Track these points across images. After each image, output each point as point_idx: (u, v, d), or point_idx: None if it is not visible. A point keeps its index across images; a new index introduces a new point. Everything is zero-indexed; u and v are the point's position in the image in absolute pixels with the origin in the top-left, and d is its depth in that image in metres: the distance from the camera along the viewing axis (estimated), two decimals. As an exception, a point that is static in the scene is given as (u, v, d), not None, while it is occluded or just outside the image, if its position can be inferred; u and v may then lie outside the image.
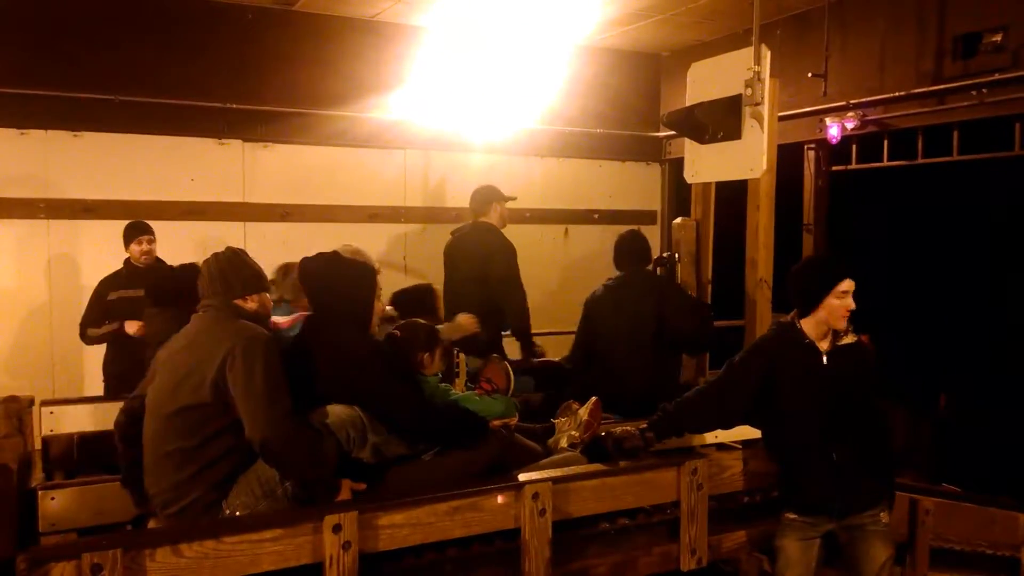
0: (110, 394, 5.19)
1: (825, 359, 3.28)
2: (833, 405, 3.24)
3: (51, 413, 4.03)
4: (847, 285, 3.21)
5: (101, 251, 6.08)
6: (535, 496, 2.91)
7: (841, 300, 3.22)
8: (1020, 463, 5.60)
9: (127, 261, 5.49)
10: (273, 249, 6.66)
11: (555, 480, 3.00)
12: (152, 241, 5.46)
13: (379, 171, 7.27)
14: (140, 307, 5.28)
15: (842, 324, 3.26)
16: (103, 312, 5.36)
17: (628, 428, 3.48)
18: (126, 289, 5.37)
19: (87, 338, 5.40)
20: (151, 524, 3.02)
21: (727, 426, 3.62)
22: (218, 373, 2.80)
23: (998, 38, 5.48)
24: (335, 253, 3.34)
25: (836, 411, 3.24)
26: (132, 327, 5.14)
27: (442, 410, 3.28)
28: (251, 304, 3.06)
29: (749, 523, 3.57)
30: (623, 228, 8.43)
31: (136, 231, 5.45)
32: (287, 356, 3.13)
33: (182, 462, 2.84)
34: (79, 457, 3.94)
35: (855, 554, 3.32)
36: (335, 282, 3.22)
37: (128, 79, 6.25)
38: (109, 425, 3.80)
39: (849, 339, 3.32)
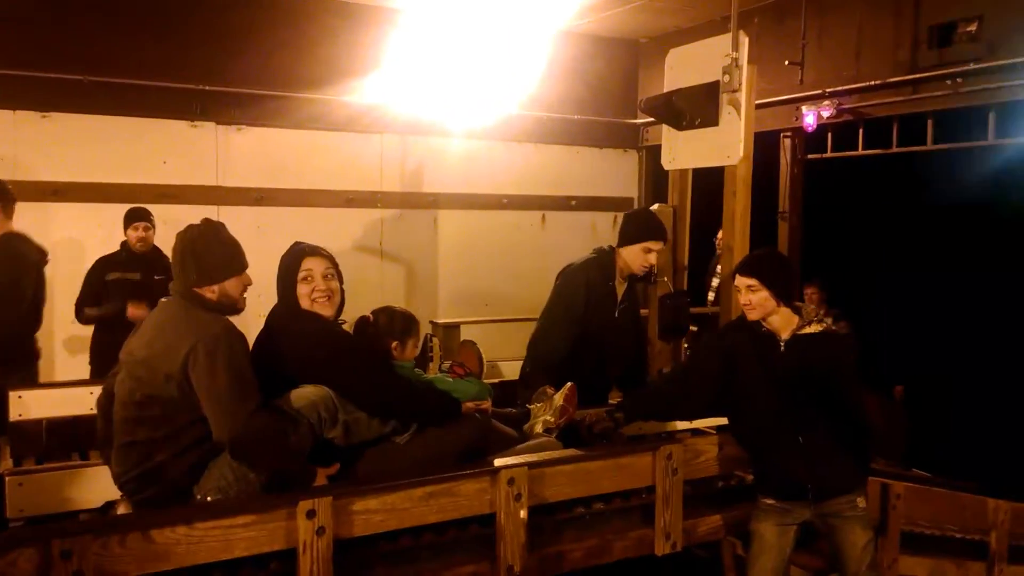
0: (94, 376, 5.16)
1: (783, 347, 3.32)
2: (795, 392, 3.27)
3: (19, 398, 3.96)
4: (737, 282, 3.39)
5: (71, 234, 6.00)
6: (511, 481, 2.90)
7: (736, 295, 3.41)
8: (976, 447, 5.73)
9: (124, 244, 5.49)
10: (247, 233, 6.54)
11: (530, 465, 3.00)
12: (149, 228, 5.47)
13: (355, 156, 7.21)
14: (137, 289, 5.29)
15: (749, 316, 3.36)
16: (100, 291, 5.38)
17: (598, 411, 3.50)
18: (125, 271, 5.41)
19: (83, 316, 5.37)
20: (121, 509, 2.98)
21: (692, 414, 3.68)
22: (181, 373, 2.74)
23: (973, 28, 5.52)
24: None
25: (799, 398, 3.26)
26: (136, 310, 5.11)
27: (413, 387, 3.26)
28: (209, 294, 2.92)
29: (724, 508, 3.59)
30: (600, 215, 8.58)
31: (132, 218, 5.46)
32: (258, 345, 3.10)
33: (150, 451, 2.80)
34: (48, 443, 3.88)
35: (835, 540, 3.36)
36: None
37: (98, 59, 6.15)
38: (78, 410, 3.75)
39: (812, 328, 3.35)
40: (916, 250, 7.11)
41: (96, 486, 3.23)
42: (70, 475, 3.37)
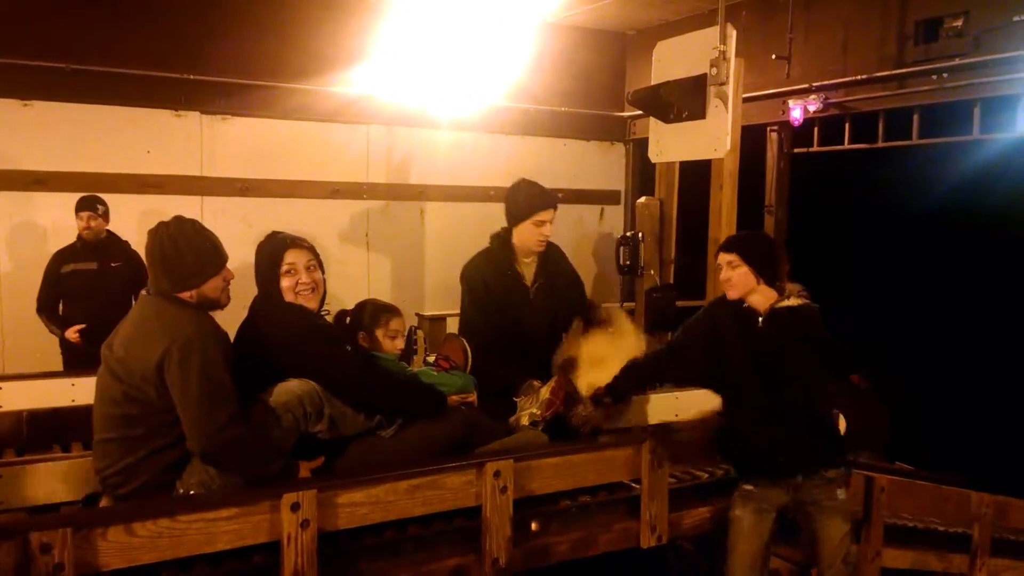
0: (67, 369, 5.18)
1: (761, 322, 3.34)
2: (771, 366, 3.27)
3: (-1, 389, 3.92)
4: (719, 259, 3.43)
5: (53, 224, 5.94)
6: (496, 474, 2.90)
7: (718, 272, 3.45)
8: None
9: (80, 235, 5.42)
10: (232, 224, 6.56)
11: (516, 458, 2.99)
12: (94, 217, 5.35)
13: (341, 146, 7.16)
14: (95, 279, 5.24)
15: (728, 295, 3.39)
16: (57, 286, 5.34)
17: (585, 404, 3.50)
18: (79, 262, 5.35)
19: (42, 319, 5.37)
20: (103, 503, 2.95)
21: (683, 379, 3.83)
22: (156, 376, 2.70)
23: (959, 23, 5.54)
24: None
25: (775, 371, 3.27)
26: (72, 334, 5.15)
27: (398, 381, 3.25)
28: (187, 297, 2.85)
29: (710, 500, 3.60)
30: (587, 208, 8.57)
31: (79, 206, 5.37)
32: (240, 335, 3.07)
33: (130, 448, 2.77)
34: (29, 434, 3.84)
35: (813, 530, 3.36)
36: None
37: (80, 47, 6.06)
38: (59, 402, 3.71)
39: (791, 301, 3.34)
40: (900, 244, 7.14)
41: (78, 478, 3.20)
42: (51, 467, 3.33)
